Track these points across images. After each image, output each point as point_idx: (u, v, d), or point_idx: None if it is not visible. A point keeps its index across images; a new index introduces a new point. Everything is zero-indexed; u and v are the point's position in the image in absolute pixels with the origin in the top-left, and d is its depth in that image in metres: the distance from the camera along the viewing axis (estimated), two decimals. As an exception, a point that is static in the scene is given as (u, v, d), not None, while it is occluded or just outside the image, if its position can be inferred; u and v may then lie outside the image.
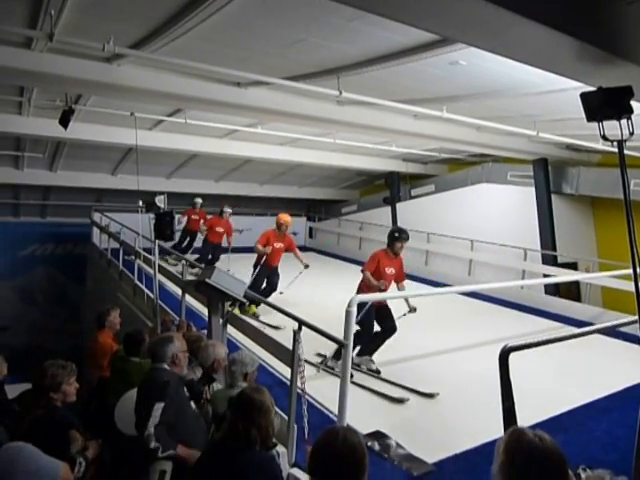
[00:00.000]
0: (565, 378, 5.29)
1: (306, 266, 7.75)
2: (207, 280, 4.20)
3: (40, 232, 13.92)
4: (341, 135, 9.73)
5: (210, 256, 10.17)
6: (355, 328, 3.95)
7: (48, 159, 10.99)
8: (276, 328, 6.29)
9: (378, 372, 5.40)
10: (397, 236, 5.66)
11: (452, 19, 2.69)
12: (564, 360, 5.75)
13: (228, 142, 10.50)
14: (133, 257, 8.02)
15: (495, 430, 2.91)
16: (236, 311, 5.57)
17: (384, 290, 5.50)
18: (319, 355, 5.69)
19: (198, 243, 10.81)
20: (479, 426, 3.99)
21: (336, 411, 3.62)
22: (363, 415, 4.05)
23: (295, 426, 3.55)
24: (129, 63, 5.46)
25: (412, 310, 5.52)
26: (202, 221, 10.78)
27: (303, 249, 14.03)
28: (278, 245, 7.63)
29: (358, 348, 5.34)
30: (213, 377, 3.71)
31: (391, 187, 13.84)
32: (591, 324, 6.27)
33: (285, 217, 7.73)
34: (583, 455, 1.63)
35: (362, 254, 12.36)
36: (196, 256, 10.02)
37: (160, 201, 5.12)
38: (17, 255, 13.77)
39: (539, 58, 3.32)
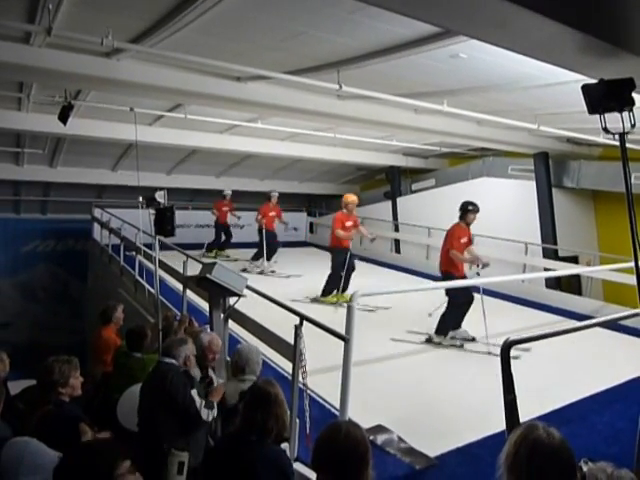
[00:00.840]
0: (566, 371, 5.29)
1: (373, 239, 8.70)
2: (208, 275, 4.19)
3: (41, 228, 13.94)
4: (341, 130, 9.70)
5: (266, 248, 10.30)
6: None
7: (48, 155, 10.97)
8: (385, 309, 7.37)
9: (474, 339, 6.12)
10: (471, 208, 6.47)
11: (454, 11, 2.67)
12: (565, 353, 5.75)
13: (228, 137, 10.48)
14: (134, 253, 8.02)
15: (497, 423, 2.92)
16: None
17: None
18: (416, 333, 6.40)
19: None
20: (481, 419, 4.00)
21: (338, 405, 3.62)
22: (365, 409, 4.06)
23: (297, 421, 3.56)
24: (128, 58, 5.43)
25: (485, 265, 6.34)
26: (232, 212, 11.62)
27: (304, 244, 14.08)
28: (349, 224, 8.19)
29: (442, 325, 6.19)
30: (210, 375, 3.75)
31: (392, 181, 13.81)
32: (592, 318, 6.26)
33: (351, 196, 8.46)
34: (585, 448, 1.64)
35: (363, 249, 12.38)
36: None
37: (160, 196, 5.08)
38: (18, 252, 13.79)
39: (541, 50, 3.30)
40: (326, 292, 7.99)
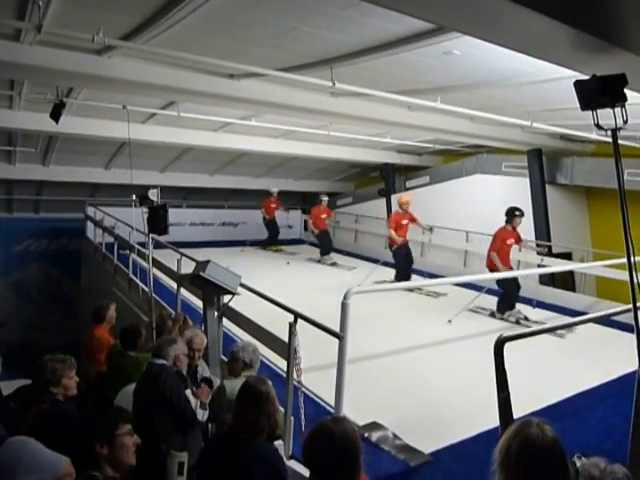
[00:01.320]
0: (560, 367, 5.31)
1: (430, 229, 9.83)
2: (201, 274, 4.18)
3: (34, 227, 13.83)
4: (335, 127, 9.68)
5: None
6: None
7: (40, 154, 10.89)
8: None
9: (527, 318, 7.13)
10: (518, 214, 7.32)
11: (445, 6, 2.67)
12: (559, 349, 5.80)
13: (222, 135, 10.44)
14: (128, 251, 7.99)
15: (491, 420, 2.93)
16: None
17: (507, 257, 7.43)
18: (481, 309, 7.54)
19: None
20: (475, 416, 4.01)
21: (333, 403, 3.62)
22: (360, 406, 4.06)
23: (292, 418, 3.56)
24: (120, 55, 5.39)
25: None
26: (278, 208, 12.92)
27: (299, 242, 14.06)
28: (404, 222, 9.22)
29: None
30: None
31: (386, 179, 13.80)
32: (586, 313, 6.29)
33: (404, 197, 9.56)
34: (578, 443, 1.65)
35: (358, 246, 12.39)
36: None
37: (153, 194, 5.08)
38: (11, 251, 13.69)
39: (534, 46, 3.29)
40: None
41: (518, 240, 7.59)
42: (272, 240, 12.99)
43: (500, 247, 7.29)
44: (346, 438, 1.86)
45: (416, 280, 9.11)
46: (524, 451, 1.54)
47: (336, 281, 9.00)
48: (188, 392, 3.29)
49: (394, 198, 13.50)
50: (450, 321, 6.88)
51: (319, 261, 11.82)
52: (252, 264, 10.01)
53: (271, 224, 12.94)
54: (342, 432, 1.87)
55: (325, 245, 12.05)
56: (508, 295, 7.30)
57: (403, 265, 9.13)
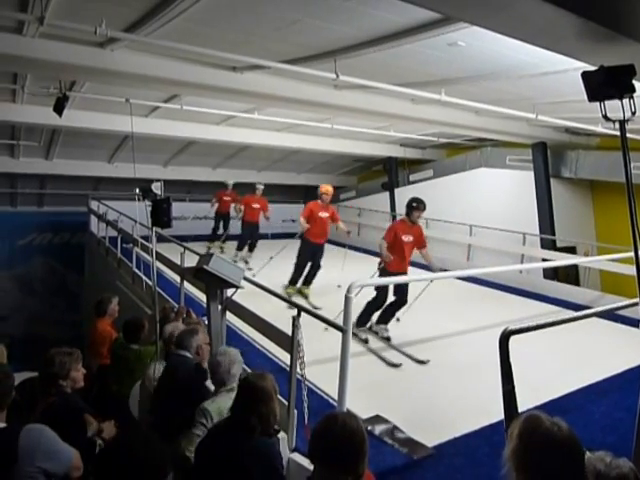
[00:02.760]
0: (564, 361, 5.30)
1: (348, 232, 8.21)
2: (205, 267, 4.16)
3: (37, 221, 13.87)
4: (339, 120, 9.65)
5: (249, 240, 10.42)
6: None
7: (44, 147, 10.89)
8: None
9: (389, 339, 5.92)
10: (415, 205, 6.13)
11: (451, -4, 2.64)
12: (563, 343, 5.76)
13: (225, 128, 10.41)
14: (131, 245, 8.00)
15: (495, 414, 2.92)
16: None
17: (404, 258, 6.10)
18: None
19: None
20: (479, 409, 4.00)
21: (336, 396, 3.62)
22: (363, 400, 4.06)
23: (295, 411, 3.56)
24: (123, 47, 5.37)
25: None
26: (234, 202, 11.19)
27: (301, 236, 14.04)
28: (323, 214, 7.79)
29: (377, 315, 6.08)
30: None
31: (389, 172, 13.77)
32: (590, 308, 6.26)
33: (326, 187, 8.06)
34: (583, 437, 1.63)
35: (361, 240, 12.34)
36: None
37: (156, 188, 5.04)
38: (15, 245, 13.75)
39: (540, 36, 3.26)
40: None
41: (419, 239, 6.25)
42: (215, 236, 11.67)
43: (393, 242, 6.04)
44: (353, 433, 1.85)
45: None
46: (546, 445, 1.50)
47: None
48: (209, 382, 3.25)
49: (398, 192, 13.49)
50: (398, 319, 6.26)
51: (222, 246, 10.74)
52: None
53: (219, 217, 11.71)
54: (349, 427, 1.85)
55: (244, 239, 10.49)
56: (374, 302, 5.99)
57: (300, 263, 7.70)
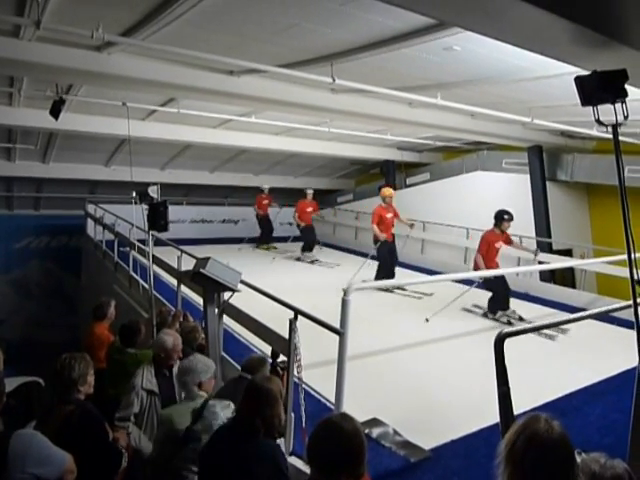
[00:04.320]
0: (560, 363, 5.31)
1: (411, 225, 9.11)
2: (202, 270, 4.17)
3: (34, 225, 13.84)
4: (336, 124, 9.67)
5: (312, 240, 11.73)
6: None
7: (40, 151, 10.88)
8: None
9: (521, 318, 6.97)
10: (507, 218, 7.24)
11: (446, 1, 2.65)
12: (560, 345, 5.79)
13: (222, 132, 10.42)
14: (128, 248, 7.99)
15: (491, 416, 2.93)
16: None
17: (493, 260, 7.29)
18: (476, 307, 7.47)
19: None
20: (475, 412, 4.01)
21: (333, 399, 3.62)
22: (360, 403, 4.06)
23: (292, 415, 3.56)
24: (119, 51, 5.38)
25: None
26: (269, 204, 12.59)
27: (298, 239, 14.05)
28: (389, 215, 8.76)
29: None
30: None
31: (386, 176, 13.79)
32: (586, 310, 6.29)
33: (389, 190, 9.02)
34: (579, 439, 1.64)
35: (358, 243, 12.36)
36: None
37: (153, 191, 5.06)
38: (12, 248, 13.70)
39: (534, 41, 3.29)
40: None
41: (508, 242, 7.52)
42: (264, 238, 12.62)
43: (487, 250, 7.26)
44: (352, 436, 1.84)
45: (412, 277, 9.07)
46: (531, 446, 1.53)
47: (316, 282, 8.78)
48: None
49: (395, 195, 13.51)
50: (427, 320, 6.68)
51: (299, 258, 11.44)
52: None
53: (264, 221, 12.64)
54: (348, 430, 1.84)
55: (308, 241, 11.64)
56: (496, 294, 7.24)
57: (386, 262, 8.69)
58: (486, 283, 7.29)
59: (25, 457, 2.08)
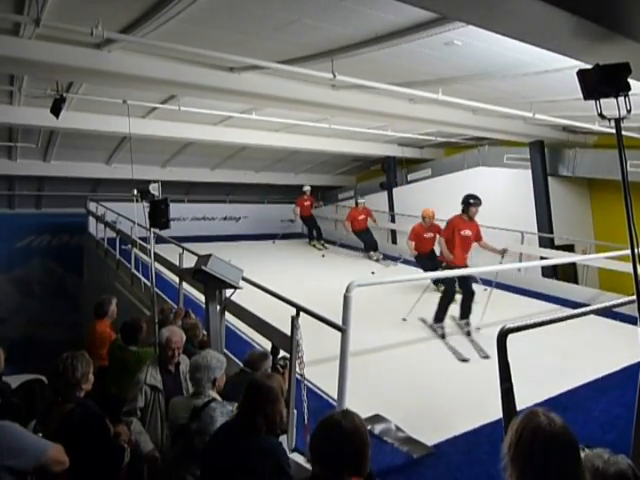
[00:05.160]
0: (563, 359, 5.30)
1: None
2: (203, 267, 4.17)
3: (36, 223, 13.84)
4: (336, 120, 9.64)
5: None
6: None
7: (41, 149, 10.87)
8: None
9: (469, 334, 6.11)
10: (472, 202, 6.48)
11: (447, -4, 2.64)
12: (562, 341, 5.76)
13: (223, 129, 10.40)
14: (130, 246, 7.99)
15: (493, 412, 2.92)
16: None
17: (466, 251, 6.57)
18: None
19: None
20: (477, 408, 4.00)
21: (336, 396, 3.62)
22: (362, 399, 4.06)
23: (295, 411, 3.56)
24: (119, 49, 5.37)
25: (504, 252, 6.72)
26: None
27: (300, 236, 14.06)
28: (428, 235, 8.40)
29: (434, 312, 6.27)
30: None
31: (387, 172, 13.75)
32: (588, 305, 6.27)
33: (427, 211, 8.54)
34: (582, 434, 1.63)
35: (355, 241, 12.34)
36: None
37: (154, 189, 5.05)
38: (13, 247, 13.70)
39: (535, 34, 3.27)
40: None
41: (477, 238, 6.72)
42: (314, 235, 12.89)
43: (451, 237, 6.47)
44: (354, 433, 1.83)
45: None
46: (537, 441, 1.51)
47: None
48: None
49: (396, 191, 13.49)
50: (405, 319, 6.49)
51: (370, 257, 11.34)
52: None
53: (308, 220, 12.91)
54: (350, 427, 1.84)
55: (368, 241, 11.62)
56: (444, 298, 6.32)
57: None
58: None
59: None
